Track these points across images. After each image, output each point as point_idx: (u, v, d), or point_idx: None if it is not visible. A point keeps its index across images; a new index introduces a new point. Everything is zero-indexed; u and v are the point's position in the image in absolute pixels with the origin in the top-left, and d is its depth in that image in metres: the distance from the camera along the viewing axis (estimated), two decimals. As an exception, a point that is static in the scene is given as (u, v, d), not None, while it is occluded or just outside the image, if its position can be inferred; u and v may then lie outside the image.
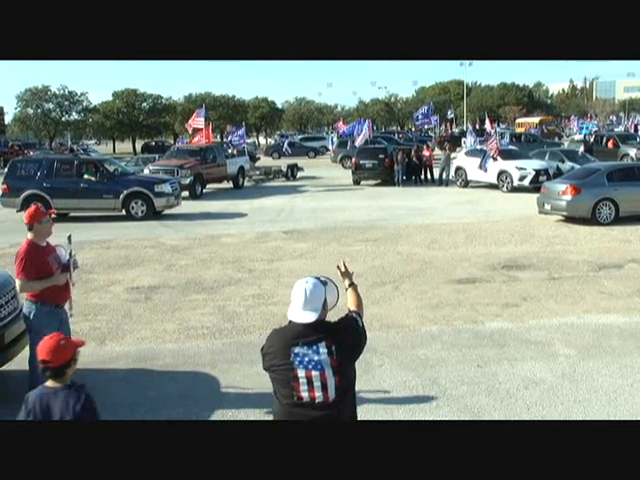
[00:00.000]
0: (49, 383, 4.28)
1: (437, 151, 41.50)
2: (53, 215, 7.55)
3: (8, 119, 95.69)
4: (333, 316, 4.31)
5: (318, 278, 4.35)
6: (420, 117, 49.88)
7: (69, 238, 7.20)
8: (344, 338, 4.21)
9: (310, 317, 4.14)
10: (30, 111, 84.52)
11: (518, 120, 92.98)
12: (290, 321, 4.26)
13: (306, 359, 4.09)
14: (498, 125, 71.29)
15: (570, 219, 19.03)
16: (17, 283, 7.02)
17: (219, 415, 7.13)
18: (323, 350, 4.08)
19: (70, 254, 7.20)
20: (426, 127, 62.36)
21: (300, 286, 4.24)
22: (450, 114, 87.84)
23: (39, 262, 6.95)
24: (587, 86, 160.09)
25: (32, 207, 7.33)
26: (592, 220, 18.58)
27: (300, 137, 66.42)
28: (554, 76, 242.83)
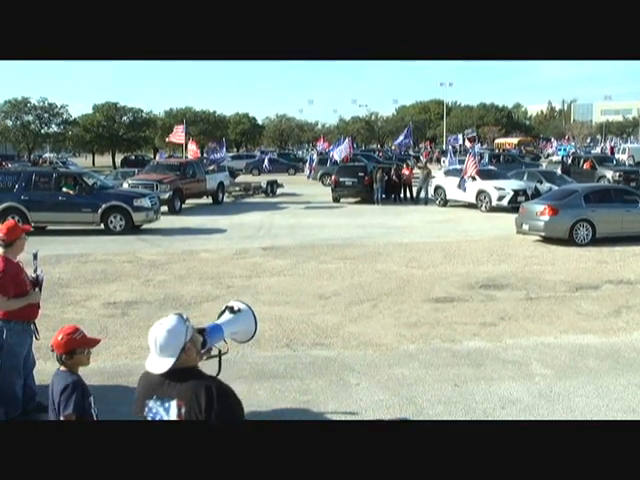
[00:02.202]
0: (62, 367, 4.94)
1: (417, 170, 41.67)
2: (30, 229, 7.45)
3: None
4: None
5: (180, 315, 3.75)
6: (402, 139, 50.07)
7: (35, 255, 7.07)
8: (201, 405, 3.53)
9: (161, 366, 3.61)
10: (9, 123, 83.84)
11: (497, 140, 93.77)
12: None
13: (157, 417, 3.64)
14: (480, 143, 71.81)
15: (548, 239, 19.15)
16: None
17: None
18: (173, 410, 3.59)
19: (35, 271, 7.08)
20: (394, 147, 62.57)
21: (153, 328, 3.69)
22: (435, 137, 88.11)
23: (16, 279, 6.84)
24: (565, 108, 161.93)
25: (10, 222, 7.23)
26: (569, 241, 18.72)
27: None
28: (533, 98, 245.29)
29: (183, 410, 3.53)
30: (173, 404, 3.58)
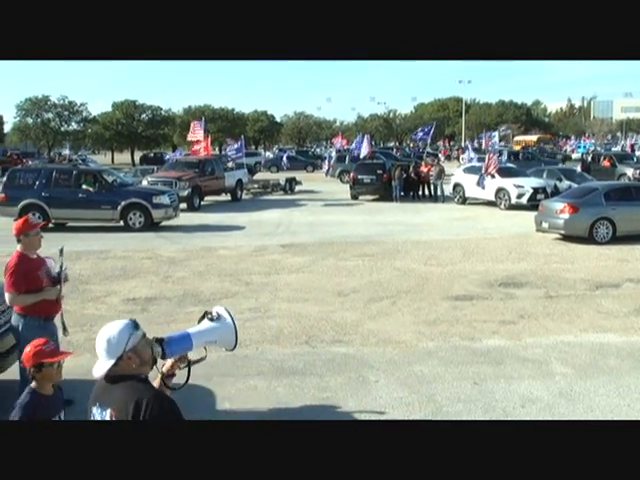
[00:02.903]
0: (33, 384, 4.56)
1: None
2: (50, 225, 7.49)
3: (7, 128, 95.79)
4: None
5: (132, 321, 3.65)
6: (420, 134, 49.74)
7: (61, 251, 7.12)
8: (129, 418, 3.37)
9: (99, 370, 3.51)
10: (30, 120, 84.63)
11: (516, 138, 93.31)
12: None
13: None
14: (499, 141, 71.31)
15: (567, 237, 19.04)
16: (6, 297, 6.92)
17: (214, 429, 7.09)
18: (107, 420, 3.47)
19: (61, 267, 7.12)
20: (420, 144, 61.94)
21: (101, 331, 3.59)
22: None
23: (29, 275, 6.86)
24: (585, 105, 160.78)
25: (20, 219, 7.28)
26: (589, 239, 18.59)
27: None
28: (552, 95, 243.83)
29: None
30: (108, 413, 3.46)
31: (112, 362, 3.49)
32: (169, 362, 3.94)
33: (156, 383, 3.84)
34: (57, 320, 7.43)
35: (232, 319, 3.88)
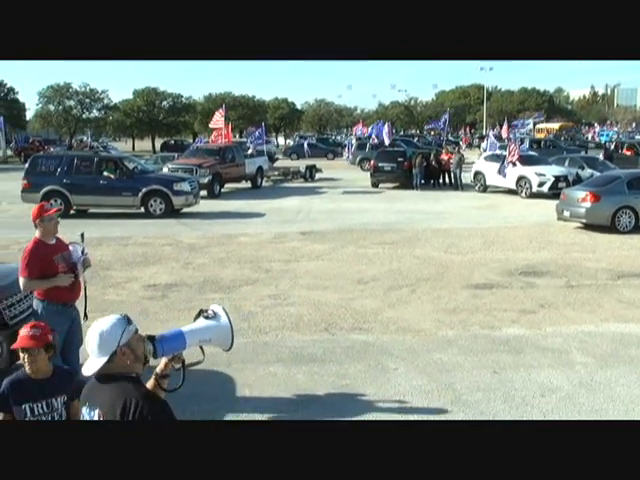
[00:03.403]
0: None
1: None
2: (72, 211, 7.55)
3: (30, 115, 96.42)
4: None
5: (123, 317, 3.48)
6: (433, 124, 49.28)
7: (82, 236, 7.20)
8: (116, 419, 3.25)
9: (90, 368, 3.36)
10: (51, 108, 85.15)
11: (538, 126, 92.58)
12: None
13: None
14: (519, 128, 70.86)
15: (589, 226, 18.89)
16: (20, 281, 7.01)
17: (233, 415, 7.13)
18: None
19: (82, 252, 7.19)
20: (433, 132, 61.58)
21: (92, 327, 3.42)
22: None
23: (43, 261, 6.91)
24: (608, 93, 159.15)
25: (36, 205, 7.35)
26: (611, 228, 18.44)
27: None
28: (575, 82, 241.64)
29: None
30: (96, 414, 3.34)
31: (105, 359, 3.34)
32: (163, 362, 3.81)
33: (150, 384, 3.75)
34: (80, 305, 7.52)
35: (228, 318, 3.77)
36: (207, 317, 3.75)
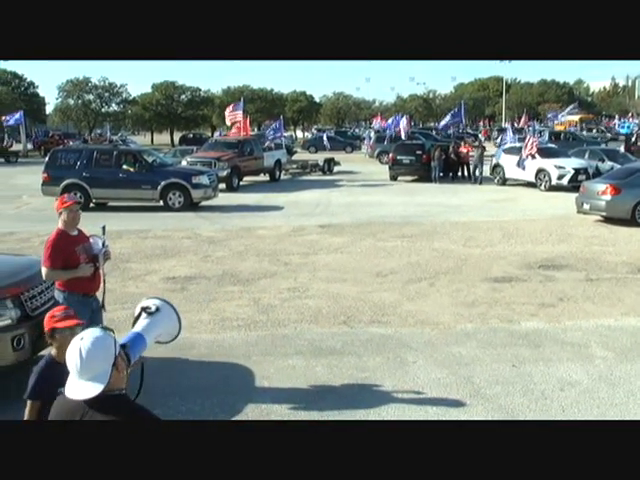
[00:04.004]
0: (53, 352, 4.74)
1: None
2: (91, 204, 7.65)
3: (49, 109, 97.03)
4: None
5: (105, 328, 3.21)
6: (448, 118, 48.55)
7: (103, 228, 7.29)
8: None
9: (88, 391, 3.04)
10: (71, 102, 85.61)
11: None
12: None
13: None
14: (539, 122, 70.42)
15: (609, 219, 18.76)
16: (43, 271, 7.12)
17: (252, 406, 7.17)
18: None
19: (103, 244, 7.29)
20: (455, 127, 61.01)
21: (74, 345, 3.08)
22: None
23: (66, 251, 7.02)
24: (629, 84, 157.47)
25: (59, 197, 7.47)
26: (632, 221, 18.29)
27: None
28: (595, 74, 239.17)
29: None
30: None
31: (108, 375, 3.05)
32: None
33: None
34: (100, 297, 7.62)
35: (170, 305, 3.71)
36: (151, 313, 3.66)
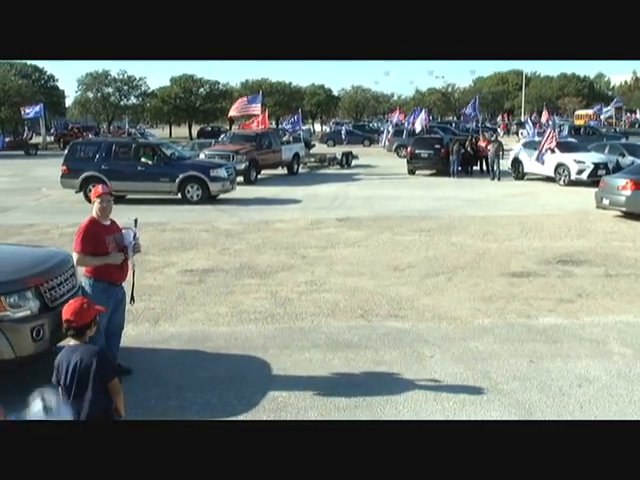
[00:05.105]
0: (71, 342, 4.94)
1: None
2: (102, 192, 7.78)
3: (69, 102, 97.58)
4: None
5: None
6: (469, 112, 48.29)
7: (135, 221, 7.60)
8: None
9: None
10: (90, 95, 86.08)
11: (577, 112, 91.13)
12: None
13: None
14: (559, 116, 69.91)
15: (629, 215, 18.59)
16: (74, 256, 7.38)
17: (269, 398, 7.18)
18: None
19: (134, 237, 7.49)
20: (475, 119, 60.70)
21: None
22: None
23: (96, 238, 7.24)
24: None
25: (94, 187, 7.73)
26: (652, 217, 18.16)
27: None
28: (617, 67, 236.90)
29: None
30: None
31: None
32: None
33: None
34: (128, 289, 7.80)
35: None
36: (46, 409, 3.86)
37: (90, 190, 18.21)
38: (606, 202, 19.11)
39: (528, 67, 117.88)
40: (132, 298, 7.83)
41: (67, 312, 4.92)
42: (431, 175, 32.62)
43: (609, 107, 69.58)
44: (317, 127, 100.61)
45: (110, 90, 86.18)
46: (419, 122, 42.87)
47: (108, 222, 7.48)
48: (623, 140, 38.73)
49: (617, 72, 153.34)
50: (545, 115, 50.57)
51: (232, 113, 38.83)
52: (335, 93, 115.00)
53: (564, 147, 28.98)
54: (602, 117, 66.27)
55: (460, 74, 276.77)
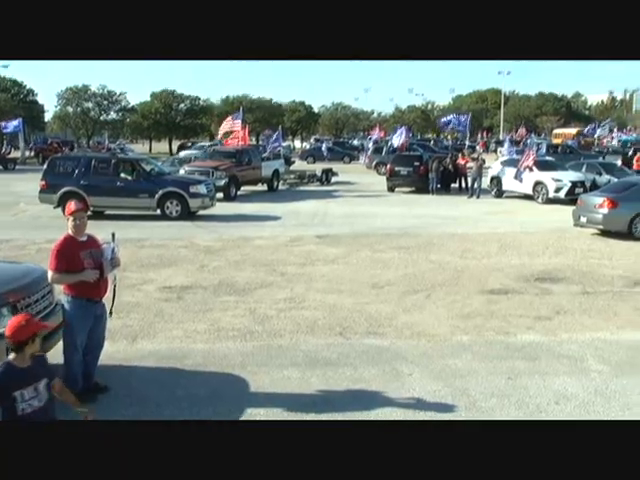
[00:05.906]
0: (11, 357, 4.76)
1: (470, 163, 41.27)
2: (88, 212, 7.76)
3: (48, 117, 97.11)
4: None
5: None
6: (451, 118, 48.32)
7: (113, 235, 7.53)
8: None
9: None
10: (70, 109, 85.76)
11: (555, 131, 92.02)
12: None
13: None
14: (536, 135, 70.53)
15: (606, 233, 18.79)
16: (49, 274, 7.32)
17: (247, 415, 7.13)
18: None
19: (113, 251, 7.45)
20: (450, 135, 60.84)
21: None
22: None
23: (70, 256, 7.18)
24: (627, 98, 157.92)
25: (68, 203, 7.64)
26: (628, 234, 18.34)
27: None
28: (593, 87, 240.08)
29: None
30: None
31: None
32: None
33: None
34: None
35: None
36: None
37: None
38: (583, 220, 19.29)
39: (507, 86, 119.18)
40: (110, 312, 7.79)
41: (7, 328, 4.82)
42: (411, 192, 32.75)
43: (604, 125, 70.45)
44: (297, 144, 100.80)
45: (90, 105, 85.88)
46: (396, 137, 43.10)
47: (84, 238, 7.42)
48: (600, 159, 39.14)
49: (594, 92, 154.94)
50: (522, 132, 51.03)
51: (221, 132, 39.26)
52: (315, 110, 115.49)
53: (542, 165, 29.25)
54: (595, 137, 67.12)
55: (439, 92, 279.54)
